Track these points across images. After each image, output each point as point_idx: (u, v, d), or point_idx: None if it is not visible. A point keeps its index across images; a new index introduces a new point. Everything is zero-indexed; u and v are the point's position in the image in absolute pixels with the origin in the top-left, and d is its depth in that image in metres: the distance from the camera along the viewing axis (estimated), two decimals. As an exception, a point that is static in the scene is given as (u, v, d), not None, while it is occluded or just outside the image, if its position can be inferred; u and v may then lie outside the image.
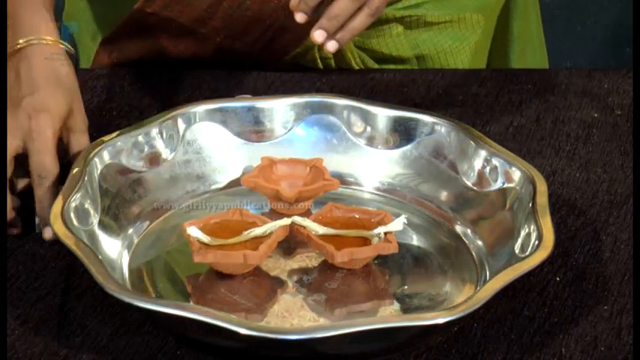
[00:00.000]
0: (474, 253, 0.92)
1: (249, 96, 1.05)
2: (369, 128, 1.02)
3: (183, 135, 1.00)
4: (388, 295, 0.88)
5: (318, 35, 0.99)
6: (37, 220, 0.94)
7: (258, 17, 1.19)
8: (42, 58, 0.98)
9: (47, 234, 0.92)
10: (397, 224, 0.90)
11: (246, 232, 0.89)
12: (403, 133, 1.01)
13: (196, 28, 1.20)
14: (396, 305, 0.87)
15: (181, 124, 1.00)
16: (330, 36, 0.99)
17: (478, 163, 0.97)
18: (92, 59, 1.29)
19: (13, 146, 0.93)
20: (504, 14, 1.34)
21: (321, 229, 0.90)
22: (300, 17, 1.00)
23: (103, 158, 0.94)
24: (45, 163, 0.93)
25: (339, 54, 1.24)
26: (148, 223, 0.95)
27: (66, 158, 0.97)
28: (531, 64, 1.36)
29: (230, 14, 1.19)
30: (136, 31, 1.23)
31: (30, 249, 0.92)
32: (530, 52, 1.37)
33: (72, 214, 0.86)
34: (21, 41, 0.99)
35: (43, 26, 1.00)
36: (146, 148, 0.98)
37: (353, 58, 1.25)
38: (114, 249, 0.90)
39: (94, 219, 0.90)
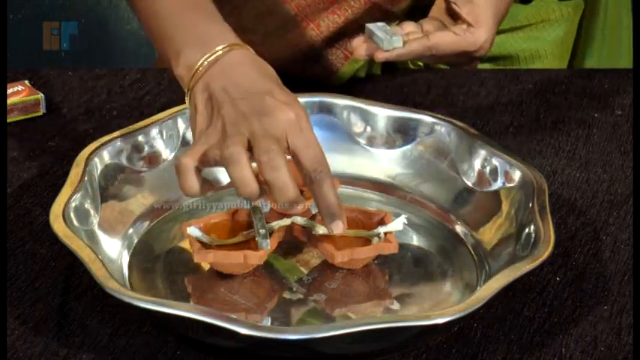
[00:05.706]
0: (474, 253, 0.92)
1: (249, 96, 1.05)
2: (369, 128, 1.02)
3: (184, 135, 1.00)
4: (388, 295, 0.88)
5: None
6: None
7: (296, 42, 1.18)
8: (249, 59, 0.88)
9: (337, 228, 0.84)
10: (397, 224, 0.90)
11: (246, 232, 0.89)
12: (403, 133, 1.01)
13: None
14: (396, 305, 0.87)
15: (181, 124, 1.00)
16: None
17: (478, 163, 0.97)
18: None
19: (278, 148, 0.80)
20: (591, 6, 1.30)
21: (321, 229, 0.90)
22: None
23: (103, 158, 0.94)
24: (319, 155, 0.82)
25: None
26: (148, 223, 0.95)
27: None
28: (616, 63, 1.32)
29: (270, 32, 1.18)
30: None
31: (30, 249, 0.92)
32: (616, 51, 1.32)
33: (72, 214, 0.86)
34: (218, 48, 0.88)
35: (231, 35, 0.91)
36: (146, 148, 0.98)
37: (412, 61, 1.24)
38: (114, 249, 0.90)
39: (94, 219, 0.90)
